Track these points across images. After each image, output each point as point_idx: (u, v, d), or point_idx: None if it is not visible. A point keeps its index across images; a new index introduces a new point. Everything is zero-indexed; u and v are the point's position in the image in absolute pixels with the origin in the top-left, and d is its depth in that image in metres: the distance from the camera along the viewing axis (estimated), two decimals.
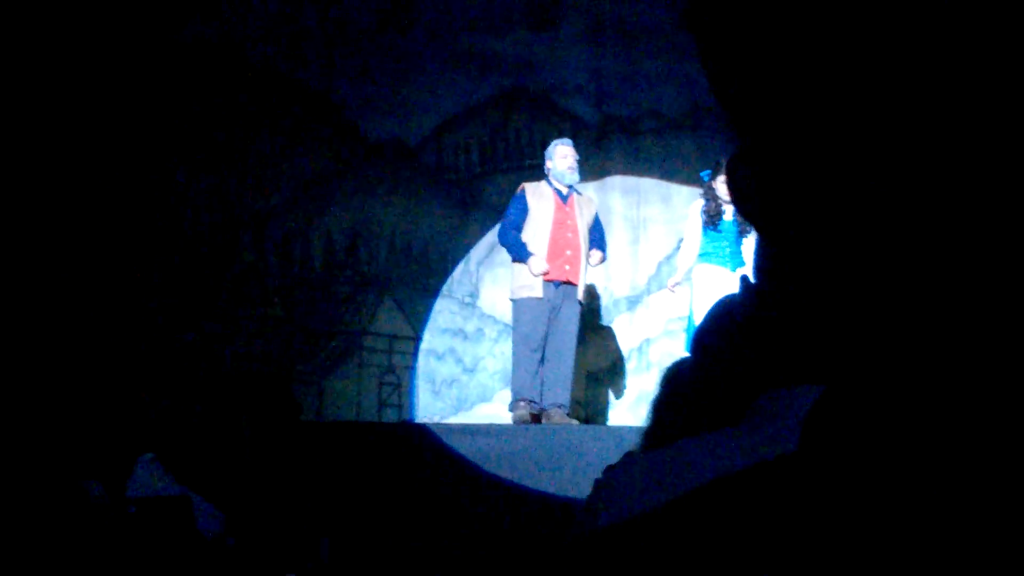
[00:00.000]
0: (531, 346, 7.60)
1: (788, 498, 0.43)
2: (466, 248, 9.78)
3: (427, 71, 9.72)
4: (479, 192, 9.83)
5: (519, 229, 7.76)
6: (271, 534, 4.17)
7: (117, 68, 8.53)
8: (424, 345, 9.63)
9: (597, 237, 7.94)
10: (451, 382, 9.63)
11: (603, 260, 7.97)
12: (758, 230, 0.45)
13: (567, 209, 7.84)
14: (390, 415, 9.49)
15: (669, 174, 9.86)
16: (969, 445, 0.38)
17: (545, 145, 8.33)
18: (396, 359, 9.59)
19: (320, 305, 9.46)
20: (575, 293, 7.72)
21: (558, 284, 7.65)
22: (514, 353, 7.78)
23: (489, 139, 9.93)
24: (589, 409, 9.48)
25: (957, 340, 0.37)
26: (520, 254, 7.69)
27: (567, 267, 7.69)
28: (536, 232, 7.71)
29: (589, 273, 8.03)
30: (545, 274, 7.60)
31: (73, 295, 7.98)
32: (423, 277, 9.71)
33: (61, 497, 3.70)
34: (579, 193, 8.01)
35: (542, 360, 7.67)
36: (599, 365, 9.62)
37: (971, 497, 0.38)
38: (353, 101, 9.61)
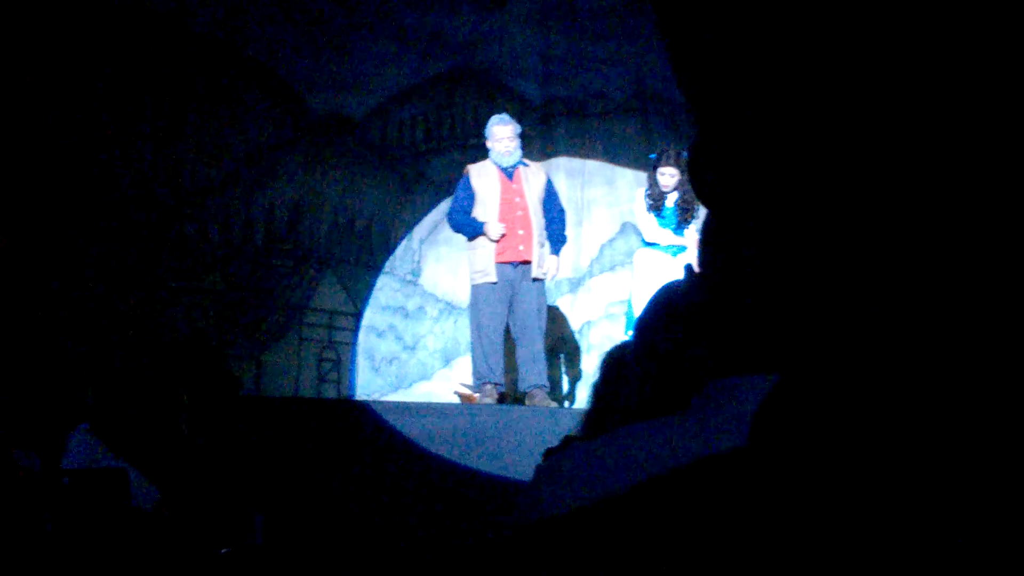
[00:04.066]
0: (490, 331, 7.55)
1: (738, 494, 0.43)
2: (409, 225, 9.75)
3: (374, 47, 9.66)
4: (423, 170, 9.80)
5: (467, 212, 7.69)
6: (206, 509, 4.14)
7: (57, 33, 8.40)
8: (364, 322, 9.60)
9: (553, 212, 7.83)
10: (391, 359, 9.61)
11: (557, 268, 7.86)
12: (716, 218, 0.45)
13: (514, 186, 7.75)
14: (329, 391, 9.46)
15: (614, 157, 9.88)
16: (925, 440, 0.39)
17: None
18: (336, 335, 9.55)
19: (261, 279, 9.40)
20: (531, 272, 7.64)
21: (515, 265, 7.59)
22: (473, 339, 7.74)
23: (434, 117, 9.90)
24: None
25: (912, 334, 0.38)
26: (473, 230, 7.63)
27: (520, 247, 7.61)
28: (484, 214, 7.64)
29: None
30: (503, 237, 7.53)
31: (7, 264, 7.87)
32: (365, 253, 9.67)
33: None
34: (526, 165, 7.91)
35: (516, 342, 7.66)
36: None
37: (928, 495, 0.38)
38: (299, 75, 9.53)
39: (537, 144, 9.67)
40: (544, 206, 7.77)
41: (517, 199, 7.71)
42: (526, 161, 7.91)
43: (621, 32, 9.79)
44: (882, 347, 0.35)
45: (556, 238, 7.82)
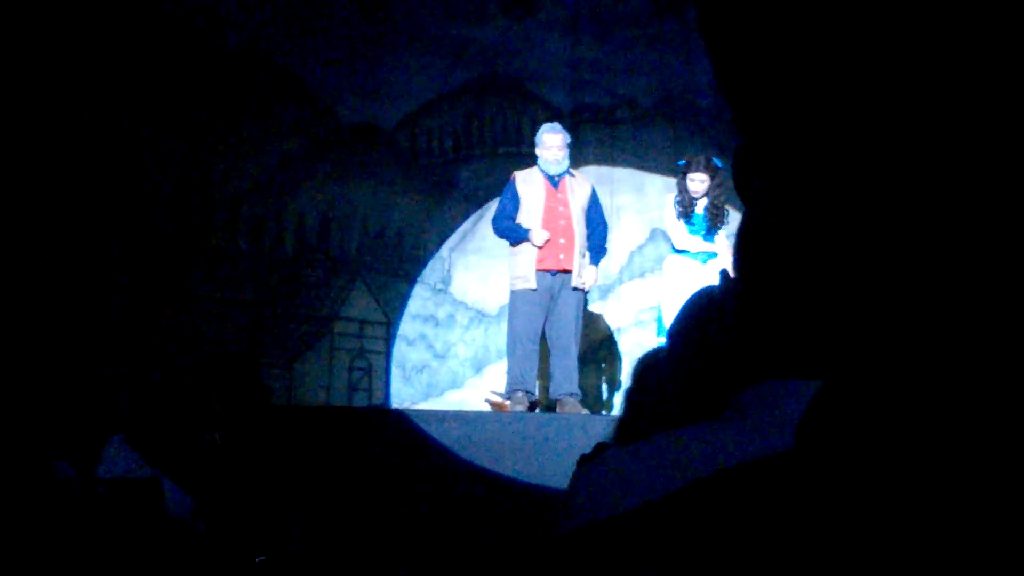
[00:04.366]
0: (525, 338, 7.57)
1: (787, 497, 0.43)
2: (438, 234, 9.77)
3: (402, 56, 9.69)
4: (452, 178, 9.82)
5: (511, 218, 7.71)
6: (241, 518, 4.16)
7: (88, 42, 8.46)
8: (395, 330, 9.62)
9: (596, 223, 7.83)
10: (421, 368, 9.62)
11: (595, 278, 7.89)
12: (755, 220, 0.45)
13: (559, 195, 7.76)
14: (360, 400, 9.48)
15: (643, 163, 9.87)
16: (970, 443, 0.39)
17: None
18: (367, 344, 9.58)
19: (291, 289, 9.44)
20: (571, 280, 7.64)
21: (554, 273, 7.60)
22: (508, 344, 7.77)
23: (463, 125, 9.92)
24: None
25: (955, 338, 0.38)
26: (517, 236, 7.65)
27: (561, 256, 7.62)
28: (528, 221, 7.66)
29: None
30: (547, 242, 7.55)
31: (43, 275, 7.93)
32: (395, 263, 9.69)
33: (28, 478, 3.68)
34: (572, 175, 7.92)
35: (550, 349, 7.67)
36: None
37: (975, 499, 0.38)
38: (328, 85, 9.57)
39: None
40: (587, 216, 7.78)
41: (561, 208, 7.71)
42: (572, 171, 7.92)
43: (649, 39, 9.78)
44: (928, 351, 0.35)
45: (597, 249, 7.84)
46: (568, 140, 7.88)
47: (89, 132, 8.50)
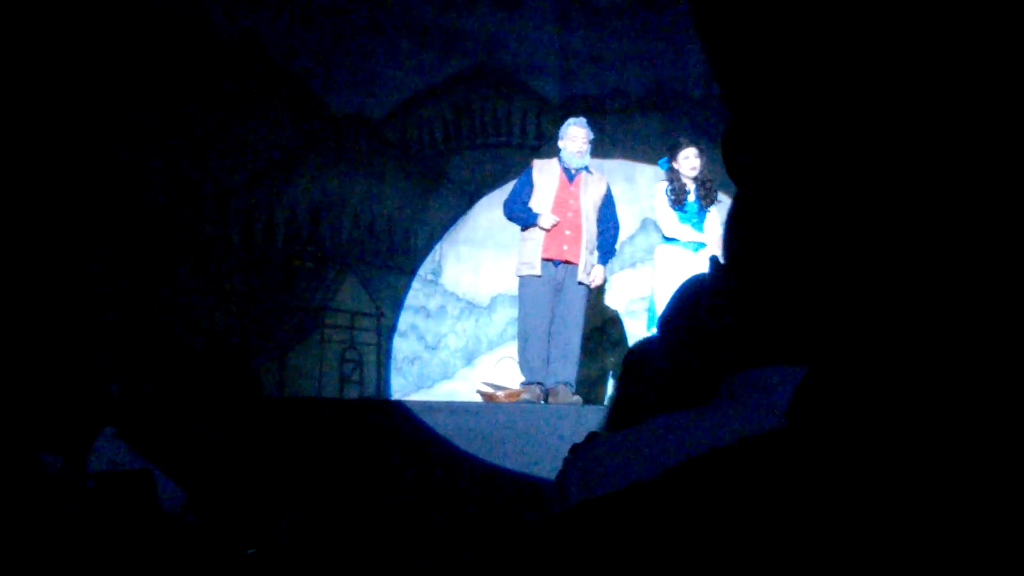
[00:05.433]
0: (534, 326, 7.60)
1: (776, 475, 0.43)
2: (430, 225, 9.77)
3: (392, 47, 9.68)
4: (443, 169, 9.81)
5: (524, 202, 7.76)
6: (232, 510, 4.16)
7: (75, 35, 8.44)
8: (386, 322, 9.62)
9: (607, 223, 7.84)
10: (413, 359, 9.62)
11: (603, 277, 7.90)
12: (744, 201, 0.45)
13: (571, 188, 7.79)
14: (351, 391, 9.48)
15: (633, 154, 9.87)
16: (959, 428, 0.38)
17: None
18: (358, 335, 9.57)
19: (282, 281, 9.43)
20: (576, 273, 7.66)
21: (557, 263, 7.63)
22: (519, 332, 7.80)
23: (453, 116, 9.91)
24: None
25: (947, 323, 0.37)
26: (527, 219, 7.69)
27: (565, 247, 7.64)
28: (536, 209, 7.70)
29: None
30: (555, 226, 7.58)
31: (30, 267, 7.91)
32: (386, 254, 9.68)
33: (18, 470, 3.67)
34: (590, 172, 7.94)
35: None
36: None
37: (962, 484, 0.38)
38: (318, 76, 9.56)
39: (556, 142, 9.69)
40: (599, 215, 7.81)
41: (571, 201, 7.75)
42: (591, 169, 7.94)
43: (639, 29, 9.77)
44: (920, 336, 0.34)
45: (606, 249, 7.86)
46: (592, 136, 7.92)
47: (77, 125, 8.48)
